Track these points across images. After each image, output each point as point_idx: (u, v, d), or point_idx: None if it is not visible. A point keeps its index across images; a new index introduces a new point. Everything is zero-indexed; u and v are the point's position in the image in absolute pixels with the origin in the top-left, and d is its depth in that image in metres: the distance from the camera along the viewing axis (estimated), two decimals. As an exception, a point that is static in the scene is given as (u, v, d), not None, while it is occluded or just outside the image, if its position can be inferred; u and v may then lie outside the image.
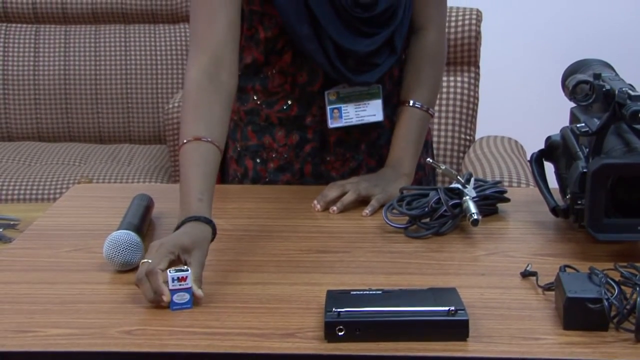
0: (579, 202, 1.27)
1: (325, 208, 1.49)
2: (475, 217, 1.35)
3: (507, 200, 1.47)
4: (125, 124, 3.33)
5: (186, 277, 1.12)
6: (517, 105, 3.58)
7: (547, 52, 3.52)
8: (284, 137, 1.62)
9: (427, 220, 1.38)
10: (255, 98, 1.62)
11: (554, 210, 1.37)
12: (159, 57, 3.33)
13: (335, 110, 1.59)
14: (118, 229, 1.28)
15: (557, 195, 1.41)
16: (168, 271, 1.13)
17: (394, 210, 1.40)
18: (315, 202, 1.50)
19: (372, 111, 1.60)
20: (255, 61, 1.59)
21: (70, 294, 1.18)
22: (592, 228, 1.24)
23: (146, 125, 3.33)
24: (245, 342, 1.04)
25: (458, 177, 1.42)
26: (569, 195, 1.30)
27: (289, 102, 1.59)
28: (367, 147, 1.64)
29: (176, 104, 2.90)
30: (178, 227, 1.23)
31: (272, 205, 1.53)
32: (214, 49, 1.43)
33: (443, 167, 1.45)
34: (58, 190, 2.84)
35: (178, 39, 3.35)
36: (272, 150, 1.63)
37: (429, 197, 1.39)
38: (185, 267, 1.13)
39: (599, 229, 1.24)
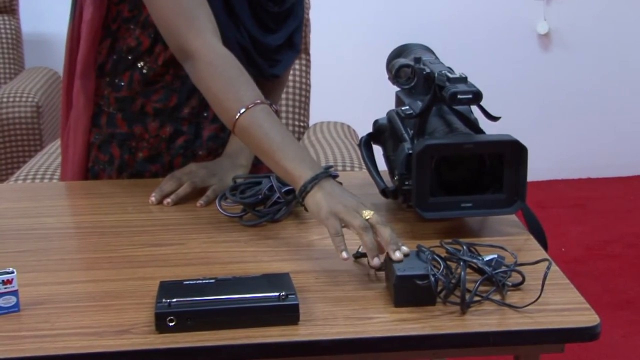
0: (407, 182, 1.32)
1: (161, 201, 1.47)
2: None
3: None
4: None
5: (12, 279, 1.08)
6: (348, 91, 3.66)
7: (375, 37, 3.61)
8: (157, 128, 1.58)
9: (261, 207, 1.39)
10: (131, 86, 1.57)
11: (384, 192, 1.41)
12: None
13: None
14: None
15: (387, 177, 1.45)
16: (-8, 274, 1.08)
17: (228, 200, 1.40)
18: (152, 195, 1.47)
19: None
20: (140, 45, 1.54)
21: None
22: (419, 207, 1.29)
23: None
24: (77, 342, 1.02)
25: (290, 163, 1.44)
26: (396, 177, 1.35)
27: (169, 93, 1.56)
28: None
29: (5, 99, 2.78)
30: (319, 175, 1.22)
31: (105, 200, 1.49)
32: (212, 20, 1.41)
33: None
34: None
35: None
36: (143, 140, 1.59)
37: (262, 185, 1.40)
38: (11, 269, 1.09)
39: (425, 207, 1.29)
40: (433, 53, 1.49)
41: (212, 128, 1.60)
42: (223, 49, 1.40)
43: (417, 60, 1.38)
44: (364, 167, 1.49)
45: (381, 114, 1.47)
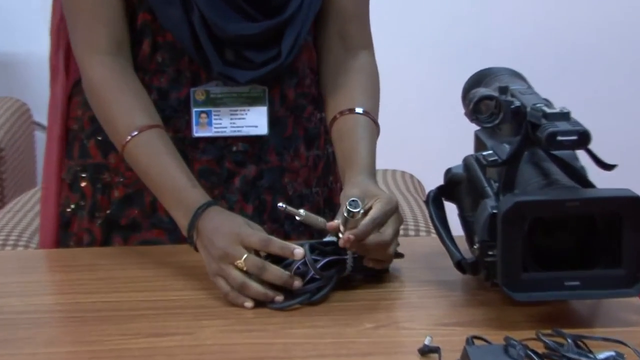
0: (490, 252, 1.31)
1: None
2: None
3: (400, 255, 1.50)
4: None
5: None
6: (411, 130, 3.66)
7: (444, 61, 3.62)
8: None
9: (294, 285, 1.40)
10: None
11: (459, 265, 1.41)
12: None
13: (203, 115, 1.58)
14: None
15: (464, 245, 1.45)
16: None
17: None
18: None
19: (253, 120, 1.60)
20: None
21: None
22: (507, 286, 1.28)
23: None
24: None
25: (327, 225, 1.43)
26: (477, 245, 1.34)
27: None
28: (243, 185, 1.62)
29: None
30: (192, 222, 1.44)
31: (87, 275, 1.51)
32: (111, 35, 1.57)
33: (303, 213, 1.44)
34: None
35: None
36: (118, 174, 1.62)
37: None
38: None
39: (515, 286, 1.28)
40: (525, 80, 1.49)
41: (204, 161, 1.60)
42: (117, 67, 1.56)
43: (503, 89, 1.38)
44: (432, 230, 1.49)
45: (455, 161, 1.48)
